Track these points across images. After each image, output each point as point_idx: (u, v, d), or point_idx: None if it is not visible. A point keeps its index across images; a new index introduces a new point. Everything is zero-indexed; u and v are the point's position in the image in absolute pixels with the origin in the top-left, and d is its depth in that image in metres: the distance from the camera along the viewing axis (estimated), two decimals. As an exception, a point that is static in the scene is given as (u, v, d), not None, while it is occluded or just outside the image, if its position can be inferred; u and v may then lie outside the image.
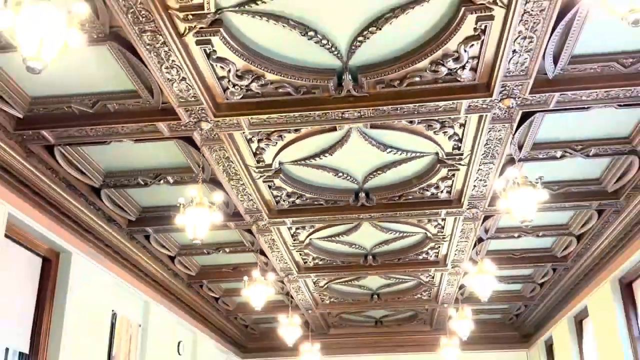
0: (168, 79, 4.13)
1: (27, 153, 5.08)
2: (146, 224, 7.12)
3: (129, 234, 7.31)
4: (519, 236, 7.97)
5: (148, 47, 3.78)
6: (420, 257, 8.93)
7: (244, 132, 5.01)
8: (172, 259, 8.61)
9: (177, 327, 10.15)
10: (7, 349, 5.25)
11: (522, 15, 3.49)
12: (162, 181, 6.00)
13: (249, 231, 7.40)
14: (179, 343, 10.35)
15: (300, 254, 8.70)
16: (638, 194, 6.14)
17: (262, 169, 5.91)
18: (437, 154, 5.60)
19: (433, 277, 9.91)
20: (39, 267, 6.10)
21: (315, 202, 6.70)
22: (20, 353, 5.54)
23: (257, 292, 6.76)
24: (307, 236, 7.81)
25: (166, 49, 3.80)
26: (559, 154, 5.66)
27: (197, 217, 4.23)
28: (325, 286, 10.33)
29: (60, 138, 5.02)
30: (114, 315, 7.73)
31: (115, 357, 7.65)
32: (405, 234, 7.95)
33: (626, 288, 8.17)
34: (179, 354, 10.31)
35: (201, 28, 3.65)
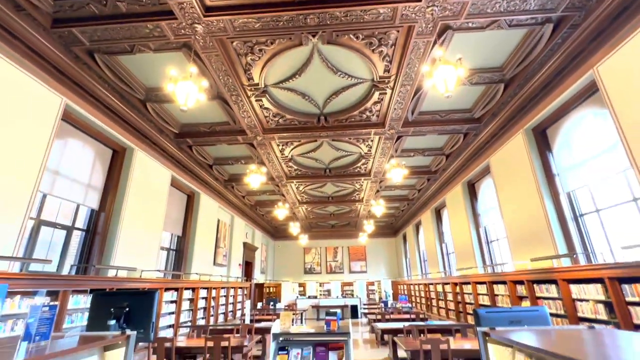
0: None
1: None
2: (187, 137, 6.27)
3: (177, 144, 6.42)
4: (413, 155, 7.45)
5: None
6: (356, 170, 8.32)
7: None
8: (210, 166, 7.96)
9: (219, 210, 9.94)
10: (78, 205, 4.89)
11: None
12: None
13: (252, 145, 6.52)
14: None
15: (286, 166, 8.04)
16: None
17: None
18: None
19: (361, 185, 9.37)
20: (110, 156, 5.48)
21: (292, 123, 6.00)
22: (91, 209, 5.15)
23: (254, 179, 5.97)
24: (290, 152, 7.07)
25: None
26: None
27: (187, 89, 3.34)
28: (303, 190, 9.65)
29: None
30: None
31: (168, 216, 7.00)
32: (348, 153, 7.28)
33: (471, 187, 7.96)
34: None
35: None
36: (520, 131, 5.44)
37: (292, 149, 6.99)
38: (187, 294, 7.04)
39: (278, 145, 6.79)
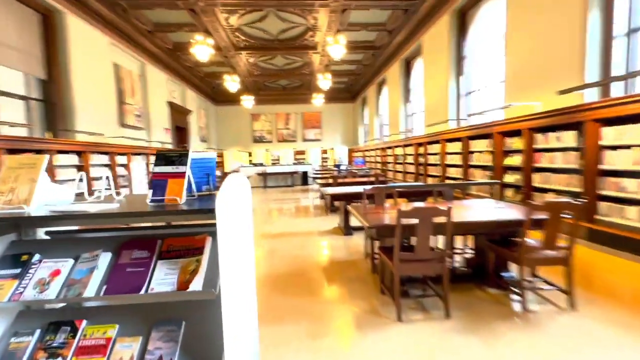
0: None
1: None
2: None
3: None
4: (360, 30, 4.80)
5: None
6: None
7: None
8: (150, 32, 6.77)
9: (115, 50, 7.03)
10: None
11: None
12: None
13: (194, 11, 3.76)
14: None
15: (234, 36, 5.95)
16: None
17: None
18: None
19: (316, 20, 6.67)
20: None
21: None
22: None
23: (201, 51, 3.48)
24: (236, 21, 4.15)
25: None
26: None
27: None
28: (237, 26, 6.74)
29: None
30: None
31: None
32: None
33: (462, 16, 5.87)
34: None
35: None
36: None
37: (237, 18, 4.47)
38: (67, 159, 5.02)
39: (222, 12, 4.03)
